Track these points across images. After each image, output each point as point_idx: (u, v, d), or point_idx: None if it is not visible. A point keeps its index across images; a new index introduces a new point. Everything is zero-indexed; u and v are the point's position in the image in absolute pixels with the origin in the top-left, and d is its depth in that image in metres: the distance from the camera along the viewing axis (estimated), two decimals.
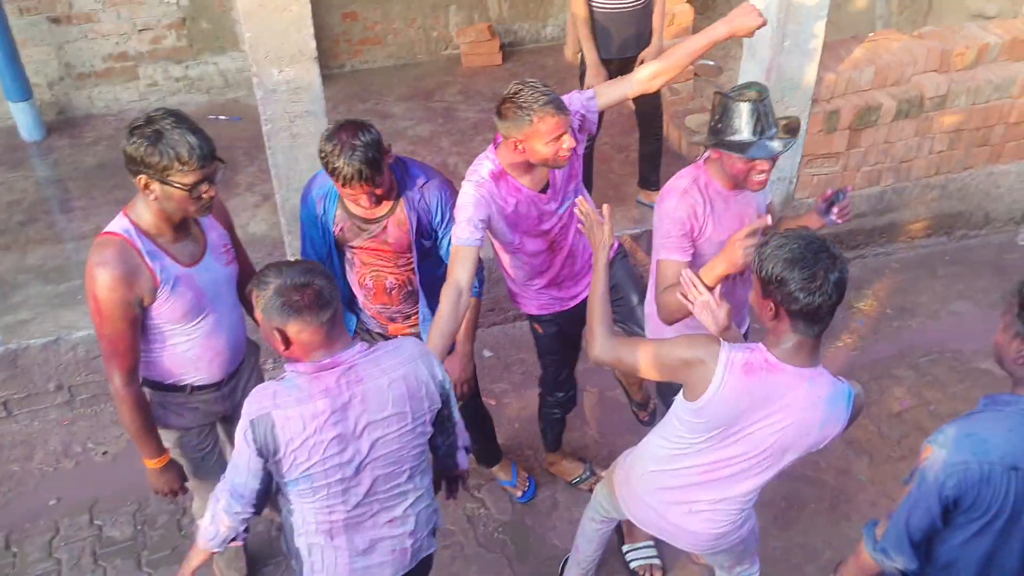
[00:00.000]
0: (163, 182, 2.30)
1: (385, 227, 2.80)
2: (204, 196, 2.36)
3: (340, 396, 2.06)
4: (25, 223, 4.83)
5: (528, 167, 2.77)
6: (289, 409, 2.03)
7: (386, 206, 2.78)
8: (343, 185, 2.58)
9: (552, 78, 6.12)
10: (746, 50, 4.39)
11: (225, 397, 2.76)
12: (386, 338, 3.02)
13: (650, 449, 2.50)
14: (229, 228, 2.70)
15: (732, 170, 2.61)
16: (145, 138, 2.26)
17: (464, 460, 2.49)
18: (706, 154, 2.74)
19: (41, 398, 4.07)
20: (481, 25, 6.44)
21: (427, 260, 2.92)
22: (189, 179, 2.30)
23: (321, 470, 2.08)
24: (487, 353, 4.43)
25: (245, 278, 2.61)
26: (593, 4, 4.25)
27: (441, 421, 2.30)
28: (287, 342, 2.03)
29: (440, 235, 2.89)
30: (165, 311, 2.45)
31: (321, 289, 2.01)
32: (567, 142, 2.64)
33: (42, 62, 5.68)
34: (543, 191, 2.85)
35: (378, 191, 2.63)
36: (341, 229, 2.84)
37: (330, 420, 2.05)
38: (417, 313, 3.04)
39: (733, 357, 2.18)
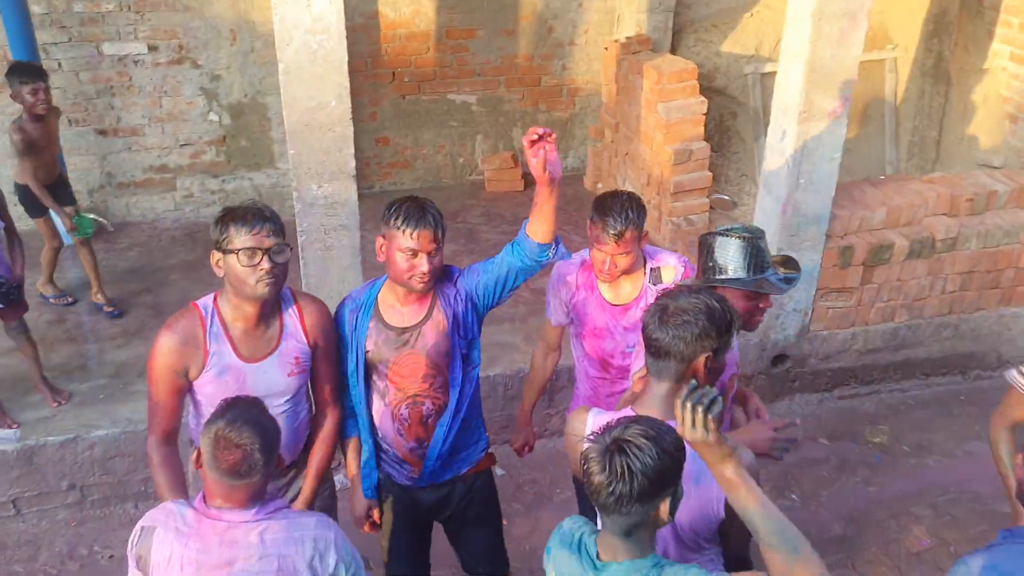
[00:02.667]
0: (223, 251, 2.38)
1: (423, 334, 2.67)
2: (259, 268, 2.36)
3: (210, 551, 2.03)
4: (52, 323, 4.93)
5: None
6: (169, 533, 2.04)
7: (423, 308, 2.67)
8: (410, 236, 2.49)
9: (571, 205, 6.33)
10: (762, 187, 4.57)
11: None
12: (413, 492, 2.87)
13: None
14: (317, 346, 2.63)
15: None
16: (221, 213, 2.40)
17: None
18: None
19: (52, 497, 4.04)
20: (505, 154, 6.73)
21: (466, 375, 2.78)
22: (238, 243, 2.35)
23: None
24: (499, 472, 4.40)
25: (320, 387, 2.70)
26: None
27: None
28: (199, 464, 2.08)
29: (485, 286, 2.69)
30: (207, 392, 2.52)
31: (249, 457, 1.99)
32: (602, 263, 2.89)
33: (85, 170, 5.93)
34: (620, 305, 3.00)
35: (436, 250, 2.55)
36: (375, 343, 2.69)
37: (190, 567, 2.03)
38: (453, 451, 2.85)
39: (598, 420, 2.20)
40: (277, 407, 2.60)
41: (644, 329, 2.15)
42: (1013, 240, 4.88)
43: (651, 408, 2.16)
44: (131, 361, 4.56)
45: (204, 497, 2.08)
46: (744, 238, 2.51)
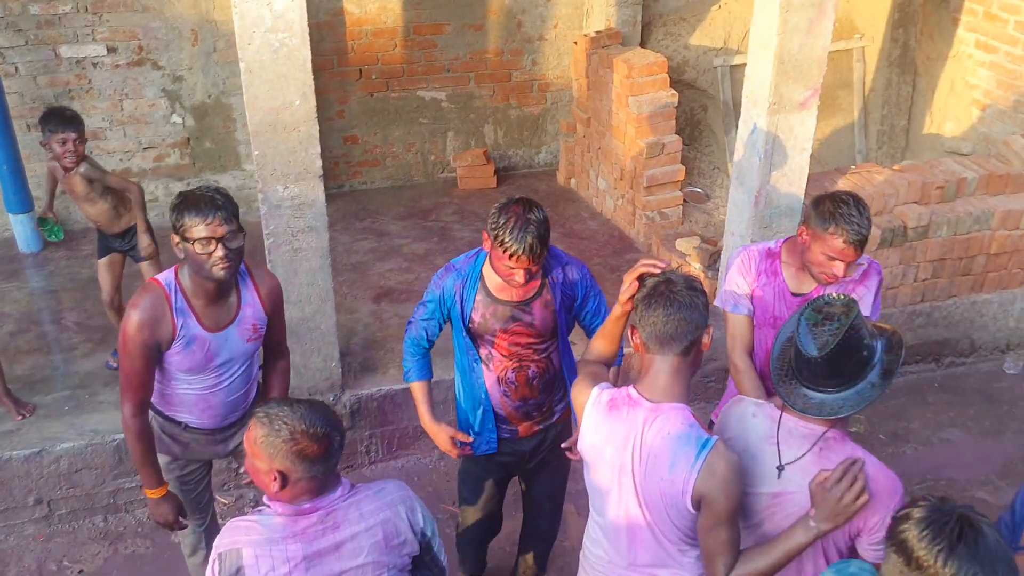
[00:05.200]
0: (183, 239, 2.52)
1: (532, 310, 2.80)
2: (214, 255, 2.50)
3: (315, 542, 2.01)
4: (15, 333, 4.81)
5: (801, 267, 2.93)
6: (260, 548, 1.97)
7: (534, 287, 2.79)
8: (509, 258, 2.57)
9: (545, 201, 6.23)
10: (734, 179, 4.55)
11: (217, 442, 2.97)
12: (514, 443, 3.03)
13: (587, 529, 2.45)
14: (273, 313, 2.85)
15: None
16: (178, 200, 2.54)
17: None
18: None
19: (19, 512, 3.94)
20: (477, 150, 6.67)
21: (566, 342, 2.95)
22: (194, 232, 2.48)
23: None
24: None
25: (270, 349, 2.96)
26: None
27: (424, 565, 2.22)
28: (283, 485, 1.98)
29: (583, 311, 2.92)
30: (175, 360, 2.71)
31: (335, 442, 2.00)
32: (837, 269, 2.75)
33: (45, 176, 5.78)
34: (800, 295, 2.95)
35: (535, 268, 2.65)
36: (482, 315, 2.79)
37: (301, 566, 1.99)
38: (550, 404, 3.02)
39: (601, 396, 2.25)
40: (235, 372, 2.83)
41: (650, 311, 2.14)
42: (983, 227, 4.91)
43: (654, 385, 2.17)
44: (96, 371, 4.45)
45: (277, 505, 2.04)
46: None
